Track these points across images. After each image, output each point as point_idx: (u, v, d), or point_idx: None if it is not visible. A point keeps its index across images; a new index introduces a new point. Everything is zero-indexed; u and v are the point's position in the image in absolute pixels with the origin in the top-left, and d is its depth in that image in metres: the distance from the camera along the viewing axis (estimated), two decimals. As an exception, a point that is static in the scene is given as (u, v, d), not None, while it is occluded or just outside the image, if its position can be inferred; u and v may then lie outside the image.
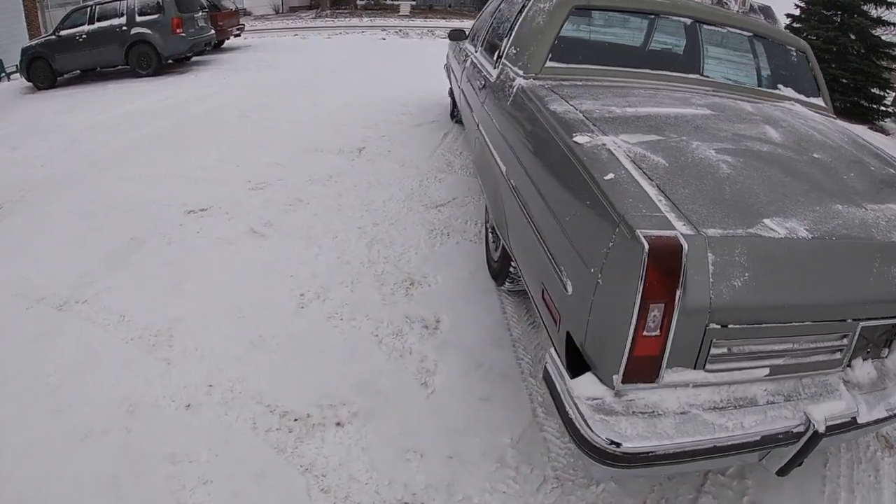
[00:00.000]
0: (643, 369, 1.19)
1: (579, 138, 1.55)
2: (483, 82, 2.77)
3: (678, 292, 1.11)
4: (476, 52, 3.45)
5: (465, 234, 3.16)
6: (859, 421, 1.32)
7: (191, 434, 1.68)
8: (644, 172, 1.38)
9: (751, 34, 2.62)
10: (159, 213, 3.17)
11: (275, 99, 5.98)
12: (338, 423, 1.77)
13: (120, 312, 2.23)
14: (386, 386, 1.94)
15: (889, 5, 11.92)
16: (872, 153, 1.93)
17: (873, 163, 1.81)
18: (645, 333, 1.14)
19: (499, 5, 3.42)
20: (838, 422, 1.29)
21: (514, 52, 2.46)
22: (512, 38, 2.56)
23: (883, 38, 12.28)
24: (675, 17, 2.60)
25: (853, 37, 12.06)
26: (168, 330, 2.11)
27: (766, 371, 1.29)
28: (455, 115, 5.25)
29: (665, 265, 1.10)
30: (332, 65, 8.55)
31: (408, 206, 3.43)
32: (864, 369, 1.44)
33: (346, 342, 2.16)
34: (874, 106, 12.28)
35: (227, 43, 11.10)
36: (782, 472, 1.32)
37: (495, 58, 2.81)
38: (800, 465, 1.31)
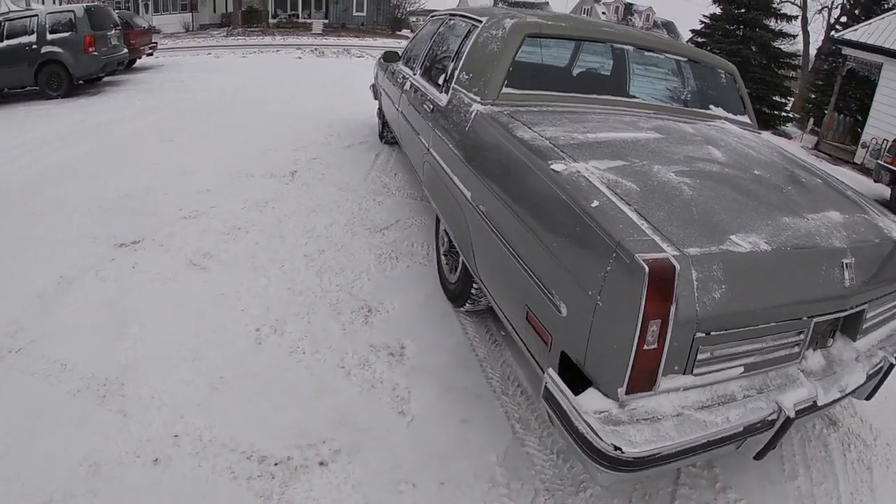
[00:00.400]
0: (643, 380, 1.31)
1: (556, 166, 1.67)
2: (431, 107, 2.83)
3: (672, 308, 1.24)
4: (415, 75, 3.51)
5: (413, 257, 3.20)
6: (819, 403, 1.54)
7: (165, 491, 1.57)
8: (621, 198, 1.51)
9: (686, 59, 2.86)
10: (87, 248, 2.94)
11: (196, 122, 5.73)
12: (321, 463, 1.73)
13: (61, 361, 2.05)
14: (363, 419, 1.93)
15: (789, 18, 13.36)
16: (800, 165, 2.22)
17: (803, 175, 2.06)
18: (645, 347, 1.26)
19: (437, 29, 3.51)
20: (804, 406, 1.49)
21: (467, 77, 2.55)
22: (462, 63, 2.66)
23: (783, 48, 13.70)
24: (618, 45, 2.78)
25: (755, 49, 13.38)
26: (118, 378, 1.96)
27: (741, 369, 1.48)
28: (385, 135, 5.29)
29: (662, 285, 1.23)
30: (251, 85, 8.34)
31: (351, 231, 3.40)
32: (815, 359, 1.67)
33: (313, 376, 2.12)
34: (776, 112, 13.61)
35: (139, 62, 10.48)
36: (759, 456, 1.50)
37: (442, 82, 2.89)
38: (773, 448, 1.49)
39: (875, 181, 8.35)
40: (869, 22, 11.50)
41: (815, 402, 1.52)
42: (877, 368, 1.75)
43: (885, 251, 1.73)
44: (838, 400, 1.62)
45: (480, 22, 2.75)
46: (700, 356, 1.37)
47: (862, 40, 10.93)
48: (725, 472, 1.88)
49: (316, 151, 4.92)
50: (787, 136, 13.35)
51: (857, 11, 16.62)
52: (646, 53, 2.81)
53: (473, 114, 2.31)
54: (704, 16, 14.76)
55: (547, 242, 1.55)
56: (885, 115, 10.92)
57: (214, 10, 28.54)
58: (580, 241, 1.42)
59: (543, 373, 1.55)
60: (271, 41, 19.20)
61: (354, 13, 30.28)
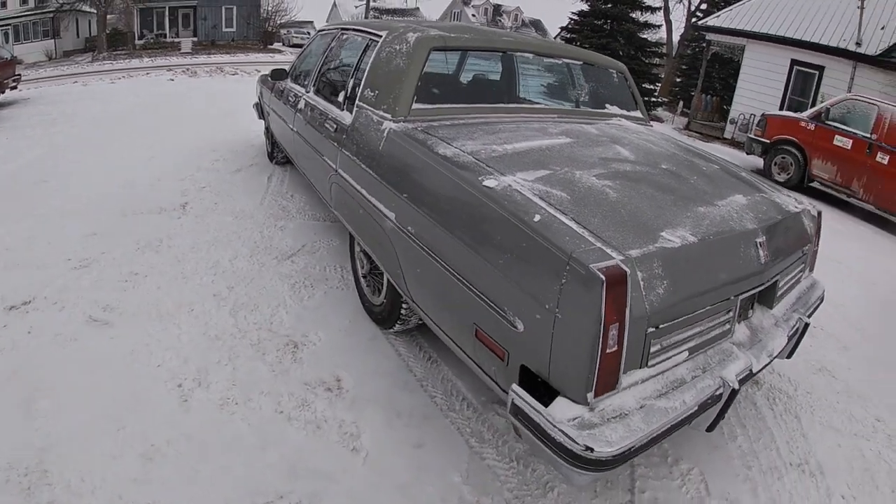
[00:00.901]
0: (608, 381, 1.44)
1: (488, 182, 1.75)
2: (335, 126, 2.82)
3: (627, 310, 1.39)
4: (308, 93, 3.47)
5: (328, 282, 3.19)
6: (754, 370, 1.79)
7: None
8: (557, 208, 1.61)
9: (581, 62, 3.05)
10: (-28, 314, 2.59)
11: (71, 158, 5.21)
12: (283, 518, 1.66)
13: (-32, 457, 1.79)
14: (316, 463, 1.92)
15: (652, 10, 14.62)
16: (697, 154, 2.56)
17: (702, 163, 2.39)
18: (607, 350, 1.38)
19: (329, 44, 3.49)
20: (743, 376, 1.73)
21: (372, 94, 2.58)
22: (365, 80, 2.68)
23: (648, 38, 14.98)
24: (519, 53, 2.91)
25: (622, 41, 14.52)
26: (39, 464, 1.77)
27: (686, 353, 1.68)
28: (275, 156, 5.16)
29: (617, 290, 1.36)
30: (125, 112, 7.70)
31: (258, 262, 3.30)
32: (742, 330, 1.94)
33: (253, 428, 2.06)
34: (646, 98, 14.91)
35: (1, 98, 9.16)
36: (710, 428, 1.72)
37: (342, 100, 2.90)
38: (723, 418, 1.70)
39: (747, 154, 9.45)
40: (730, 8, 12.94)
41: (750, 369, 1.77)
42: (794, 330, 2.09)
43: (787, 225, 2.08)
44: (768, 363, 1.90)
45: (380, 36, 2.79)
46: (652, 349, 1.54)
47: (724, 25, 12.26)
48: (674, 447, 2.12)
49: (204, 179, 4.68)
50: (659, 119, 14.68)
51: (716, -1, 18.45)
52: (545, 60, 2.98)
53: (386, 132, 2.35)
54: (573, 13, 15.83)
55: (492, 260, 1.61)
56: (749, 91, 12.36)
57: (78, 35, 26.74)
58: (528, 256, 1.50)
59: (499, 387, 1.67)
60: (140, 64, 18.23)
61: (224, 29, 29.55)
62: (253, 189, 4.56)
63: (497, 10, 46.06)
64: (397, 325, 2.59)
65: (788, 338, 2.03)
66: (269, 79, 4.26)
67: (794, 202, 2.29)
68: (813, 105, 11.32)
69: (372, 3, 22.43)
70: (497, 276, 1.59)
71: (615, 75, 3.30)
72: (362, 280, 2.90)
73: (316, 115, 3.18)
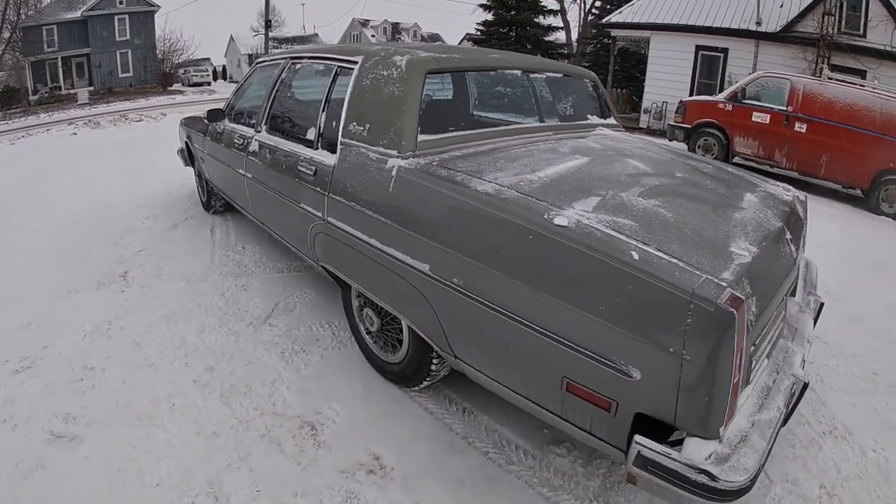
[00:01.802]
0: (733, 410, 1.43)
1: (558, 220, 1.57)
2: (312, 169, 2.55)
3: (745, 337, 1.37)
4: (260, 133, 3.17)
5: (320, 342, 2.89)
6: (806, 359, 1.92)
7: None
8: (639, 240, 1.50)
9: (561, 74, 3.00)
10: None
11: None
12: None
13: None
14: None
15: (554, 13, 15.21)
16: (685, 155, 2.66)
17: (699, 165, 2.46)
18: (734, 380, 1.36)
19: (279, 76, 3.18)
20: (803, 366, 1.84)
21: (361, 129, 2.33)
22: (347, 113, 2.42)
23: (554, 41, 15.58)
24: (508, 71, 2.80)
25: (529, 46, 14.97)
26: None
27: (765, 360, 1.76)
28: (213, 205, 4.73)
29: (742, 320, 1.33)
30: (32, 174, 6.82)
31: (232, 332, 2.94)
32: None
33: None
34: None
35: None
36: (785, 422, 1.67)
37: (313, 138, 2.65)
38: (794, 411, 1.78)
39: (670, 140, 9.81)
40: (632, 3, 13.52)
41: (804, 358, 1.88)
42: (815, 311, 2.26)
43: (794, 215, 2.16)
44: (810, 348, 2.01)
45: (354, 62, 2.52)
46: (753, 364, 1.56)
47: (628, 20, 12.79)
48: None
49: (139, 241, 4.18)
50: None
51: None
52: (531, 75, 2.85)
53: (394, 171, 2.11)
54: (478, 23, 16.24)
55: (588, 308, 1.47)
56: (658, 80, 12.98)
57: (-34, 96, 24.81)
58: (638, 299, 1.39)
59: (597, 438, 1.58)
60: (37, 120, 17.18)
61: (121, 74, 28.69)
62: (197, 246, 4.12)
63: (396, 28, 47.06)
64: (426, 382, 2.35)
65: (814, 320, 2.19)
66: (206, 120, 3.87)
67: (783, 191, 2.36)
68: (721, 86, 12.05)
69: (270, 34, 21.89)
70: (596, 324, 1.45)
71: (589, 85, 3.26)
72: (367, 337, 2.63)
73: (279, 157, 2.87)
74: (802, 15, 10.98)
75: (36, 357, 2.64)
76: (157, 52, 29.84)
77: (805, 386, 1.71)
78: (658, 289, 1.34)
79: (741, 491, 1.30)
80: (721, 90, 11.59)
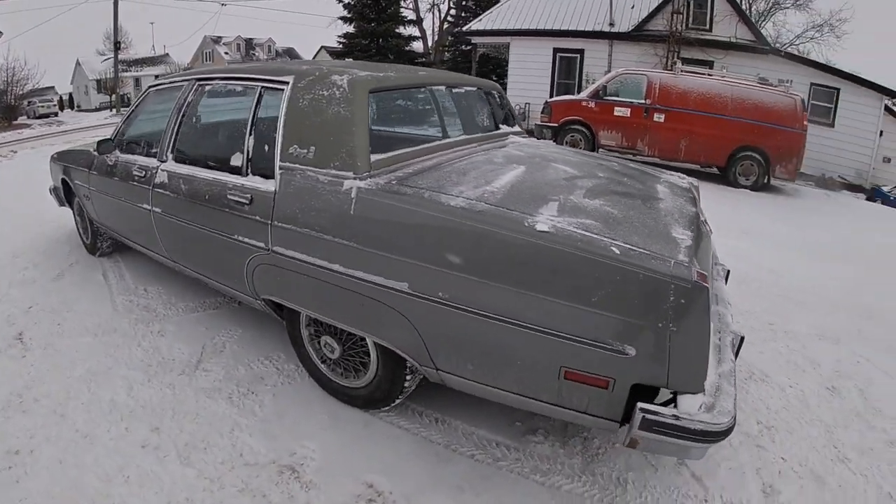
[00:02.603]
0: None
1: (540, 227, 1.71)
2: (247, 197, 2.41)
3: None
4: (166, 162, 2.94)
5: (266, 380, 2.74)
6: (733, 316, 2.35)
7: None
8: (608, 237, 1.69)
9: (476, 88, 3.06)
10: None
11: None
12: None
13: None
14: None
15: (414, 23, 15.43)
16: (590, 156, 3.03)
17: (606, 163, 2.81)
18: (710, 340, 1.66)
19: (184, 100, 2.95)
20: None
21: (305, 151, 2.24)
22: (284, 135, 2.31)
23: (415, 50, 15.83)
24: (435, 87, 2.89)
25: (392, 57, 15.03)
26: None
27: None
28: (99, 247, 4.27)
29: (709, 289, 1.60)
30: None
31: (165, 385, 2.69)
32: None
33: None
34: None
35: None
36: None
37: (240, 164, 2.52)
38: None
39: (538, 139, 10.32)
40: (491, 10, 14.08)
41: (731, 317, 2.25)
42: (725, 277, 2.68)
43: (696, 198, 2.57)
44: None
45: (284, 82, 2.41)
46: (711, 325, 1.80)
47: (489, 27, 13.28)
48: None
49: (26, 297, 3.65)
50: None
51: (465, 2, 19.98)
52: (452, 90, 2.99)
53: (353, 192, 2.06)
54: (339, 35, 16.14)
55: (581, 302, 1.62)
56: (519, 83, 13.66)
57: None
58: (625, 287, 1.57)
59: (592, 416, 1.74)
60: None
61: None
62: (93, 294, 3.69)
63: (249, 44, 46.04)
64: (398, 399, 2.35)
65: (726, 283, 2.62)
66: (95, 152, 3.48)
67: (679, 179, 2.82)
68: (579, 85, 12.99)
69: (119, 56, 20.11)
70: (590, 314, 1.61)
71: (496, 95, 3.41)
72: (322, 366, 2.55)
73: (198, 188, 2.67)
74: (652, 15, 12.16)
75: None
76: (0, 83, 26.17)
77: (742, 339, 2.05)
78: (641, 276, 1.55)
79: (729, 430, 1.55)
80: (579, 89, 12.51)
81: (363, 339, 2.29)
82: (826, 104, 11.86)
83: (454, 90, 3.01)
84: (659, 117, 9.50)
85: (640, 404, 1.57)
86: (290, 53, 47.40)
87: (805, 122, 9.10)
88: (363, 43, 15.31)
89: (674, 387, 1.60)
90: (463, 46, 17.98)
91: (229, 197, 2.48)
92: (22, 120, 26.00)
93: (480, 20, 13.86)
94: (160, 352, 2.96)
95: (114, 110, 25.42)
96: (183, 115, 2.92)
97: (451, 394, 2.20)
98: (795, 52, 14.52)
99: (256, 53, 45.69)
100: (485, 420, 2.36)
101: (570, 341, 1.65)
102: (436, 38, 22.65)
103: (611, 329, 1.60)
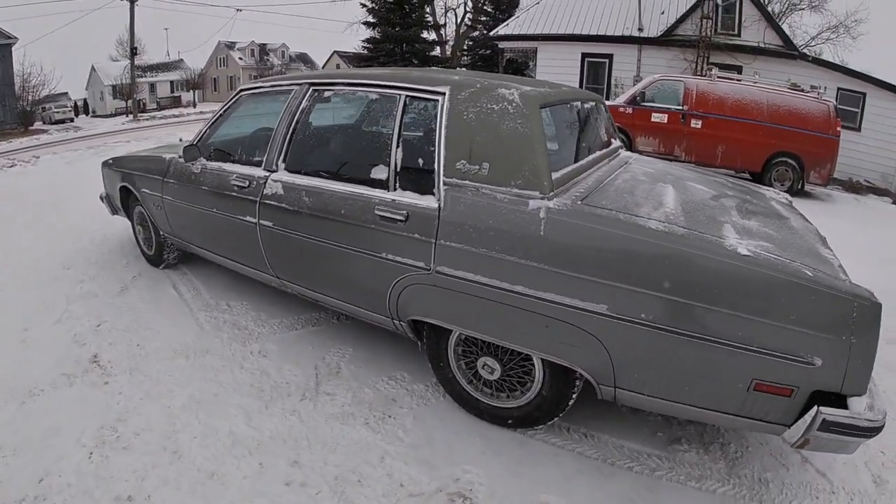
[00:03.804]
0: None
1: (741, 250, 1.80)
2: (402, 214, 2.29)
3: None
4: (276, 172, 2.81)
5: (400, 402, 2.60)
6: None
7: None
8: (788, 259, 1.83)
9: (595, 102, 3.21)
10: None
11: None
12: None
13: None
14: None
15: (438, 27, 15.47)
16: (705, 171, 3.15)
17: (725, 181, 3.02)
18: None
19: (298, 105, 2.79)
20: None
21: (476, 168, 2.16)
22: (447, 150, 2.23)
23: (438, 56, 15.87)
24: (577, 103, 2.91)
25: (417, 62, 15.03)
26: None
27: None
28: (165, 258, 4.07)
29: None
30: None
31: (288, 412, 2.51)
32: None
33: None
34: None
35: None
36: None
37: (386, 178, 2.40)
38: None
39: None
40: (517, 16, 14.02)
41: None
42: None
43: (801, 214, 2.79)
44: None
45: (438, 92, 2.31)
46: None
47: (515, 32, 13.21)
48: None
49: (90, 313, 3.44)
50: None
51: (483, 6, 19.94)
52: (584, 105, 2.96)
53: (542, 213, 2.01)
54: (364, 41, 16.07)
55: (780, 319, 1.73)
56: None
57: None
58: (819, 306, 1.71)
59: (769, 423, 1.85)
60: None
61: None
62: (170, 311, 3.49)
63: (263, 49, 47.15)
64: (557, 418, 2.33)
65: None
66: (180, 158, 3.30)
67: (776, 193, 3.05)
68: (608, 89, 12.92)
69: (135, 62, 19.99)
70: (787, 330, 1.72)
71: (604, 108, 3.31)
72: (468, 387, 2.46)
73: (328, 201, 2.52)
74: (682, 20, 12.15)
75: (36, 500, 2.00)
76: (16, 87, 25.74)
77: None
78: (831, 295, 1.70)
79: (883, 426, 1.72)
80: (608, 93, 12.44)
81: (526, 359, 2.25)
82: (853, 108, 11.89)
83: (585, 105, 2.93)
84: (696, 123, 9.45)
85: (822, 409, 1.69)
86: (304, 59, 49.18)
87: (838, 129, 9.13)
88: (388, 48, 15.23)
89: (847, 391, 1.74)
90: (482, 51, 18.07)
91: (377, 213, 2.33)
92: (38, 125, 25.77)
93: (507, 25, 13.83)
94: (269, 375, 2.78)
95: (130, 115, 25.16)
96: (297, 122, 2.75)
97: (590, 408, 2.40)
98: (808, 54, 14.50)
99: (270, 59, 46.82)
100: (629, 432, 2.40)
101: (766, 355, 1.76)
102: (452, 43, 22.67)
103: (803, 343, 1.72)
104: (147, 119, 25.00)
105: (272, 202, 2.74)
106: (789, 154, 9.03)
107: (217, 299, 3.63)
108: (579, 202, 2.05)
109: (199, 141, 3.31)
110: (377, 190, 2.38)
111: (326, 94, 2.73)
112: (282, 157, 2.77)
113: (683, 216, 2.06)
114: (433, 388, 2.67)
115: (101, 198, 4.54)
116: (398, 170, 2.34)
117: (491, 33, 14.77)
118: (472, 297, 2.15)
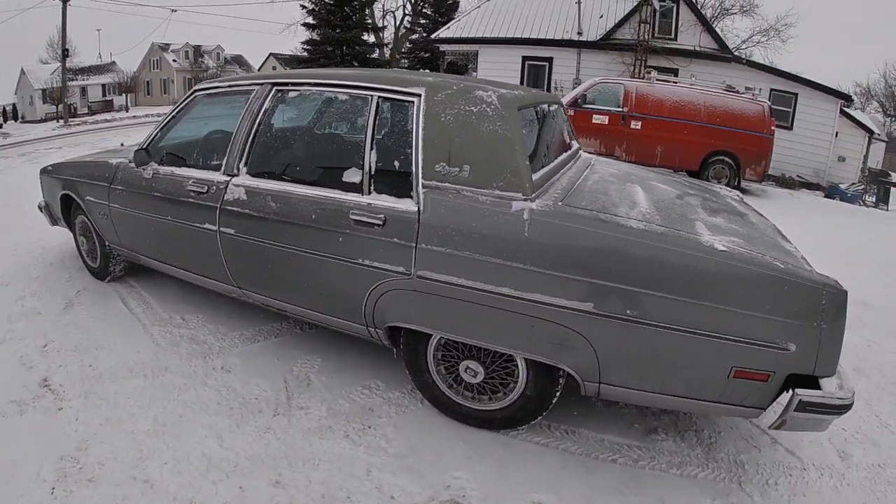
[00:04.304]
0: None
1: (718, 245, 1.89)
2: (380, 218, 2.23)
3: None
4: (238, 177, 2.68)
5: (377, 411, 2.53)
6: None
7: None
8: (759, 252, 1.92)
9: (558, 105, 3.27)
10: None
11: None
12: None
13: None
14: None
15: (379, 29, 15.27)
16: (665, 172, 3.31)
17: (684, 180, 3.19)
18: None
19: (260, 106, 2.68)
20: None
21: (457, 170, 2.15)
22: (426, 152, 2.20)
23: (377, 58, 15.71)
24: (544, 106, 2.92)
25: (357, 64, 14.80)
26: None
27: None
28: (111, 271, 3.81)
29: None
30: None
31: (262, 430, 2.38)
32: None
33: None
34: None
35: None
36: None
37: (360, 181, 2.33)
38: None
39: None
40: (458, 18, 14.05)
41: None
42: None
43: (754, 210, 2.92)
44: None
45: (413, 94, 2.27)
46: None
47: (456, 35, 13.21)
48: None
49: (35, 332, 3.16)
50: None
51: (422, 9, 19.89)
52: (549, 108, 2.95)
53: (525, 214, 2.02)
54: (303, 42, 15.77)
55: (756, 310, 1.82)
56: None
57: None
58: (792, 295, 1.81)
59: (746, 407, 1.95)
60: None
61: None
62: (121, 327, 3.25)
63: (198, 51, 45.91)
64: (540, 416, 2.34)
65: None
66: (131, 163, 3.10)
67: (728, 190, 3.21)
68: (548, 92, 13.15)
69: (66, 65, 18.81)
70: (764, 319, 1.82)
71: (563, 110, 3.33)
72: (449, 392, 2.41)
73: (297, 206, 2.42)
74: (620, 24, 12.51)
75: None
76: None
77: None
78: (803, 285, 1.80)
79: (853, 403, 1.83)
80: (549, 96, 12.67)
81: (509, 360, 2.25)
82: (785, 108, 12.59)
83: (550, 107, 2.94)
84: (636, 124, 9.73)
85: (798, 391, 1.80)
86: (239, 61, 48.38)
87: (773, 127, 9.64)
88: (328, 50, 14.99)
89: (819, 373, 1.85)
90: (422, 54, 18.08)
91: (352, 217, 2.25)
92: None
93: (448, 28, 13.87)
94: (236, 391, 2.63)
95: (61, 121, 23.76)
96: (259, 124, 2.63)
97: (569, 405, 2.48)
98: (742, 57, 15.25)
99: (204, 61, 45.75)
100: (607, 426, 2.46)
101: (745, 344, 1.84)
102: (391, 45, 22.55)
103: (778, 330, 1.82)
104: (79, 124, 23.71)
105: (234, 208, 2.61)
106: (726, 153, 9.44)
107: (170, 313, 3.43)
108: (560, 203, 2.08)
109: (149, 144, 3.12)
110: (350, 194, 2.31)
111: (291, 94, 2.62)
112: (243, 161, 2.64)
113: (658, 215, 2.12)
114: (410, 395, 2.61)
115: (40, 207, 4.23)
116: (372, 173, 2.28)
117: (432, 36, 14.82)
118: (455, 300, 2.12)
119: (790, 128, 12.62)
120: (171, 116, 3.14)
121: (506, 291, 2.01)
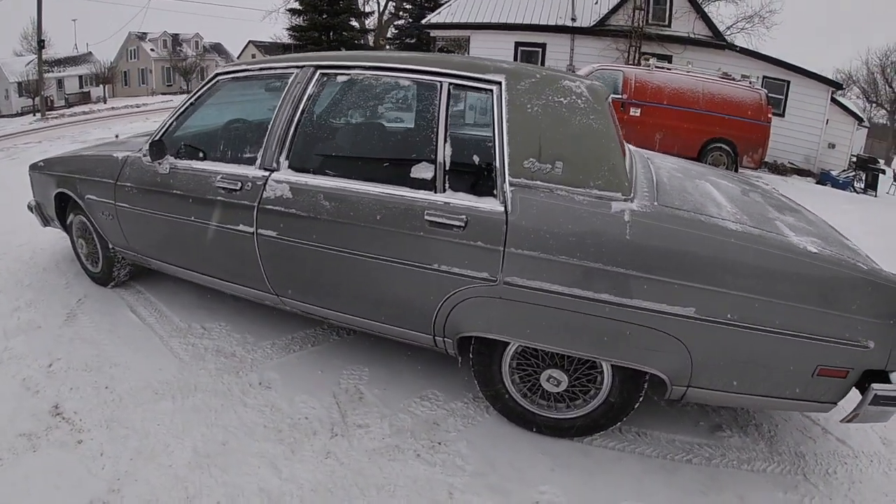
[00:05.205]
0: None
1: (811, 248, 1.88)
2: (461, 219, 2.02)
3: None
4: (277, 171, 2.42)
5: (443, 425, 2.34)
6: None
7: None
8: (844, 256, 1.93)
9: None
10: None
11: None
12: None
13: None
14: None
15: (366, 15, 15.01)
16: (712, 168, 3.19)
17: (728, 173, 3.05)
18: None
19: (303, 92, 2.40)
20: None
21: (549, 167, 2.01)
22: (512, 146, 2.03)
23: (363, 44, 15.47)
24: None
25: (343, 49, 14.53)
26: None
27: None
28: (115, 276, 3.49)
29: None
30: None
31: (321, 454, 2.15)
32: None
33: None
34: None
35: None
36: None
37: (430, 178, 2.13)
38: None
39: None
40: (450, 3, 13.75)
41: None
42: None
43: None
44: None
45: (490, 81, 2.10)
46: None
47: (448, 20, 12.93)
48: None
49: (37, 350, 2.82)
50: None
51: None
52: None
53: (627, 216, 1.91)
54: (289, 29, 15.41)
55: (842, 310, 1.83)
56: None
57: None
58: (873, 295, 1.83)
59: (820, 403, 1.98)
60: None
61: None
62: (134, 339, 2.94)
63: (176, 39, 45.49)
64: (621, 422, 2.29)
65: None
66: (144, 157, 2.78)
67: (764, 183, 3.33)
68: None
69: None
70: (850, 319, 1.83)
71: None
72: (523, 401, 2.29)
73: (357, 205, 2.18)
74: (614, 10, 12.40)
75: None
76: None
77: None
78: (885, 286, 1.83)
79: None
80: (541, 83, 12.49)
81: (592, 366, 2.16)
82: (778, 95, 12.67)
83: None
84: (635, 111, 9.66)
85: (874, 384, 1.83)
86: (218, 49, 48.28)
87: (770, 115, 9.70)
88: (315, 35, 14.59)
89: (890, 367, 1.88)
90: (408, 40, 17.71)
91: (426, 218, 2.03)
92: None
93: (439, 13, 13.60)
94: (281, 411, 2.38)
95: (38, 114, 22.84)
96: (302, 112, 2.35)
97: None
98: (736, 44, 15.28)
99: (183, 49, 45.35)
100: (674, 425, 2.44)
101: (831, 343, 1.86)
102: (376, 30, 22.16)
103: (861, 329, 1.84)
104: (56, 117, 22.99)
105: (276, 207, 2.34)
106: (724, 140, 9.48)
107: (188, 321, 3.13)
108: (656, 203, 1.99)
109: (164, 135, 2.81)
110: (421, 192, 2.09)
111: (339, 78, 2.35)
112: (284, 154, 2.37)
113: (743, 214, 2.09)
114: (474, 405, 2.44)
115: (30, 207, 3.86)
116: (447, 168, 2.06)
117: (422, 21, 14.52)
118: (545, 307, 1.99)
119: (782, 115, 12.71)
120: (188, 103, 2.82)
121: (605, 298, 1.91)
